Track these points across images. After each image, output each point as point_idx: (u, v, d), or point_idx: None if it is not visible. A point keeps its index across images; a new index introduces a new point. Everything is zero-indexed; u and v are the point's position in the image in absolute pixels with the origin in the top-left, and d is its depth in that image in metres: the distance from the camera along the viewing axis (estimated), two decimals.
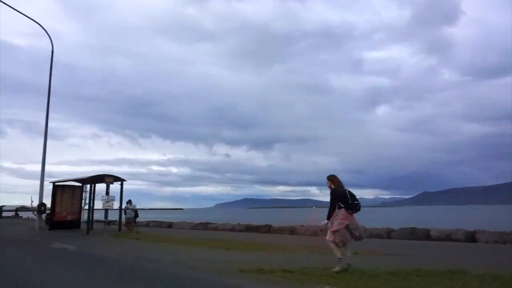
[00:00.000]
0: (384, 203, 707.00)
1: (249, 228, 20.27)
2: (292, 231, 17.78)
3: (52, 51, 21.61)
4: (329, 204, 6.57)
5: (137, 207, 21.81)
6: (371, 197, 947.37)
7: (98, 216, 19.38)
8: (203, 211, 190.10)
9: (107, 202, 16.28)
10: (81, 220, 20.02)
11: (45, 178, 20.69)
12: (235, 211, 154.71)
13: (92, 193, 18.37)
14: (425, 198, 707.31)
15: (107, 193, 16.84)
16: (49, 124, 20.72)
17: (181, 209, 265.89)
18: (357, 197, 6.60)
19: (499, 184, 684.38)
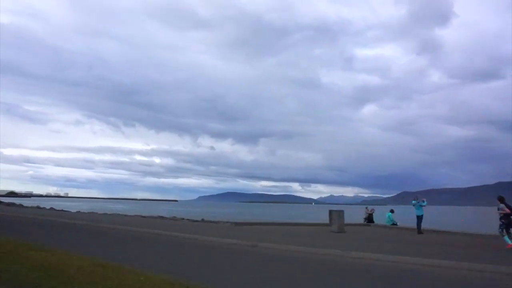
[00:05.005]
0: (364, 201, 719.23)
1: None
2: None
3: None
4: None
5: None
6: (351, 195, 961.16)
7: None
8: (198, 204, 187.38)
9: None
10: None
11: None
12: (237, 205, 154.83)
13: None
14: (405, 198, 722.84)
15: None
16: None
17: (176, 200, 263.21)
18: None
19: (475, 187, 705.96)
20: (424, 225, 19.76)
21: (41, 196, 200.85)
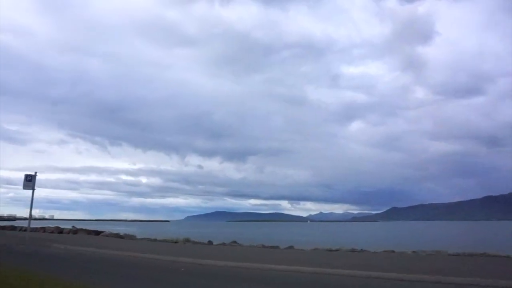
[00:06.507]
0: (354, 218, 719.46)
1: None
2: None
3: None
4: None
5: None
6: (340, 211, 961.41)
7: None
8: (196, 224, 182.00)
9: None
10: None
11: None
12: (237, 225, 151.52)
13: None
14: (394, 214, 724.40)
15: None
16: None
17: (167, 221, 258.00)
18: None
19: (462, 201, 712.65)
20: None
21: (25, 219, 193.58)
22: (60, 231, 35.35)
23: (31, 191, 21.09)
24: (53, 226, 41.40)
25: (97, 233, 33.33)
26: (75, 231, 34.99)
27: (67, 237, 29.87)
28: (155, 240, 28.18)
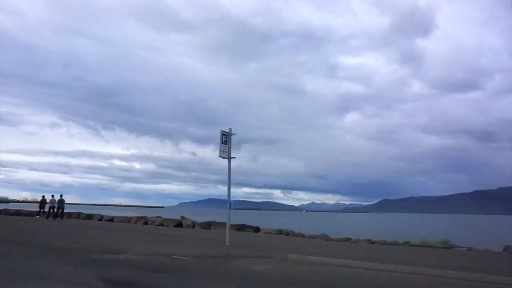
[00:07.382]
0: (345, 209, 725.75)
1: None
2: None
3: None
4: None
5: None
6: (332, 202, 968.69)
7: None
8: (195, 211, 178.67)
9: None
10: None
11: None
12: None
13: None
14: (385, 205, 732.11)
15: None
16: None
17: (162, 207, 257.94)
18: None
19: (452, 195, 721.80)
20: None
21: (17, 201, 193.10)
22: (145, 221, 25.56)
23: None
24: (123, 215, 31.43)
25: (256, 229, 22.23)
26: (178, 222, 24.62)
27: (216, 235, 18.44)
28: (374, 242, 18.27)
